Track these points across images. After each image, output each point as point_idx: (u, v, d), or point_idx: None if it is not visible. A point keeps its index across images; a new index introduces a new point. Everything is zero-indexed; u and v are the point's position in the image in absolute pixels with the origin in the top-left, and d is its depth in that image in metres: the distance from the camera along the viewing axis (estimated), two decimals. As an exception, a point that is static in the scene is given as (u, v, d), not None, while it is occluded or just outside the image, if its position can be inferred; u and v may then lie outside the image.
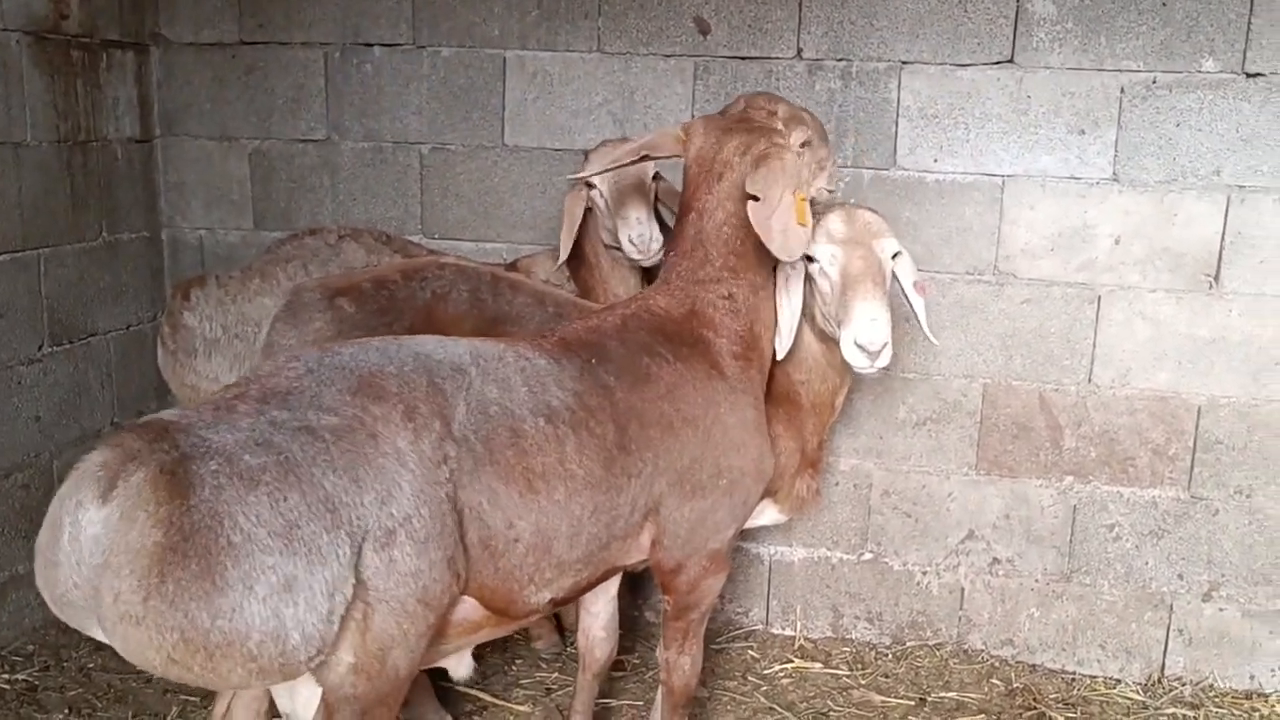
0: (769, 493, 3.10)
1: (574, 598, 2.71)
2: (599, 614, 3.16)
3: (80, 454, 3.59)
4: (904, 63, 3.86)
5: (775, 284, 2.98)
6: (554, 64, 4.13)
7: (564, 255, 3.65)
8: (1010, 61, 3.78)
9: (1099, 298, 3.86)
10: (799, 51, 3.93)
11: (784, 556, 4.24)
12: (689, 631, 2.94)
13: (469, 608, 2.38)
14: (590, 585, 2.69)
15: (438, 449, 2.21)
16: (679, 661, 2.96)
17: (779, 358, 3.01)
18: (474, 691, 3.78)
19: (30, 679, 3.72)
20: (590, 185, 3.52)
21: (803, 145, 2.91)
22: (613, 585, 3.10)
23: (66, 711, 3.55)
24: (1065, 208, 3.83)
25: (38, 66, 3.85)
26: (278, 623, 1.94)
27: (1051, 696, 3.92)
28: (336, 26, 4.25)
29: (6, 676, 3.71)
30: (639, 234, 3.44)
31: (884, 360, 2.77)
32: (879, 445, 4.11)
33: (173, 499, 1.88)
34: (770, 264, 2.91)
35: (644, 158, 3.04)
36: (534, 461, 2.38)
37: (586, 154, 3.70)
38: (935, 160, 3.89)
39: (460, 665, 2.58)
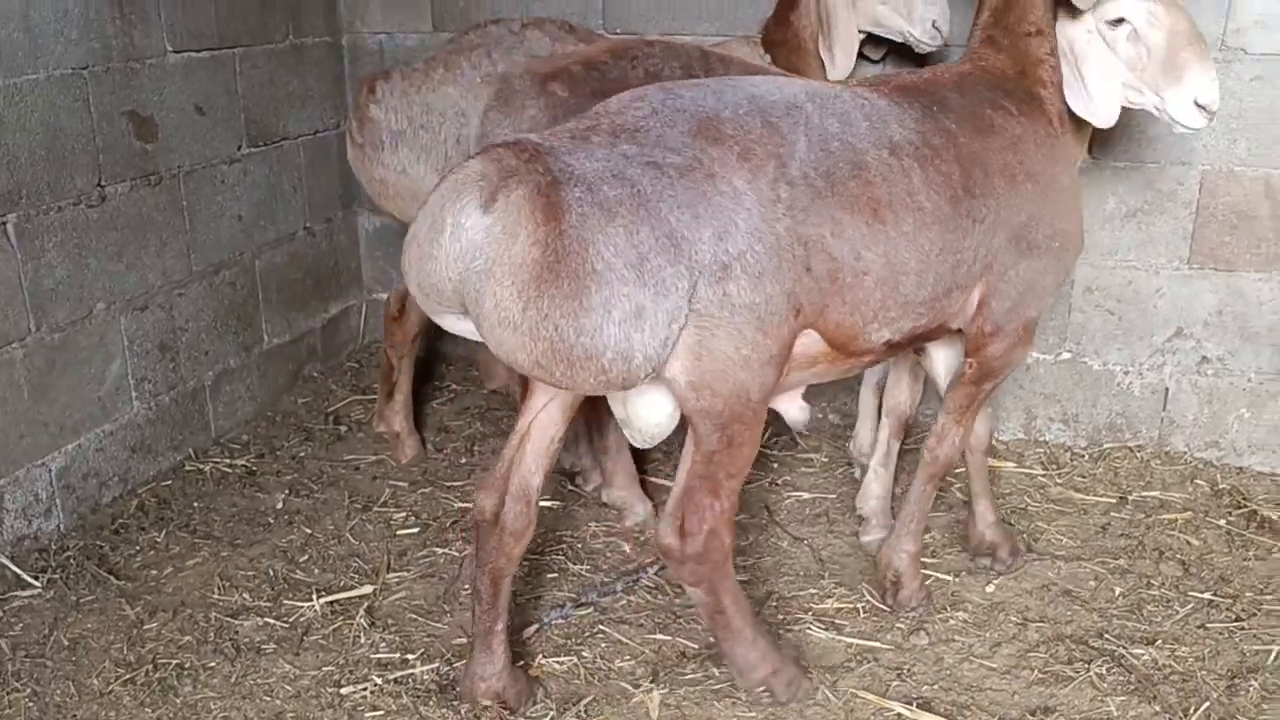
0: None
1: (907, 345, 2.78)
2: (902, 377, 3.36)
3: (276, 255, 3.66)
4: None
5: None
6: None
7: (851, 50, 3.56)
8: None
9: (1341, 72, 3.55)
10: None
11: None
12: (973, 403, 2.98)
13: (810, 341, 2.47)
14: (922, 336, 2.75)
15: (773, 188, 2.28)
16: (953, 431, 3.00)
17: (1105, 125, 2.94)
18: (668, 483, 3.84)
19: (249, 465, 3.92)
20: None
21: None
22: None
23: (286, 493, 3.74)
24: (1308, -29, 3.50)
25: None
26: (627, 345, 2.15)
27: (1261, 497, 3.78)
28: None
29: (228, 461, 3.93)
30: (943, 13, 3.42)
31: None
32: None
33: (548, 221, 2.06)
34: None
35: None
36: (879, 191, 2.43)
37: None
38: (1161, -77, 3.57)
39: (793, 407, 2.68)
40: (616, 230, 2.11)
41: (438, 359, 4.82)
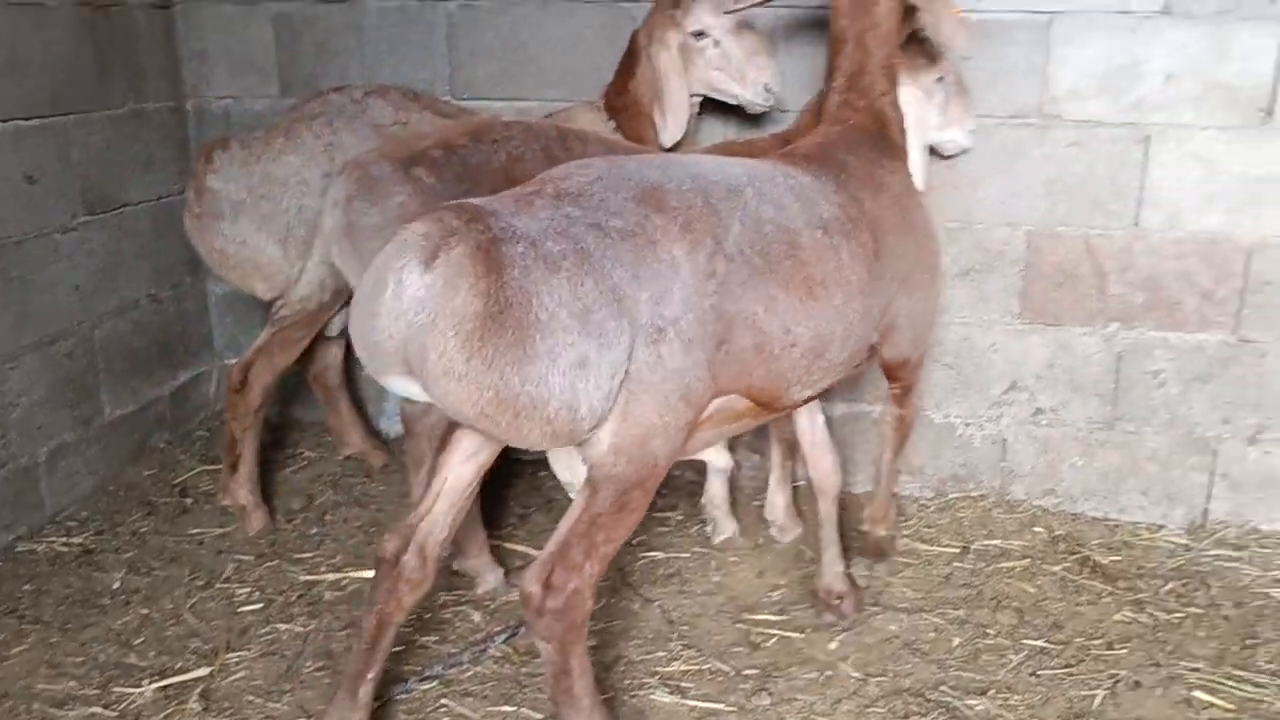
0: None
1: (820, 394, 3.01)
2: (820, 443, 3.48)
3: (119, 324, 3.56)
4: (947, -105, 3.70)
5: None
6: (583, -89, 4.00)
7: (682, 118, 3.67)
8: (1058, -110, 3.64)
9: (1148, 138, 3.76)
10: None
11: (825, 411, 4.20)
12: (910, 395, 3.44)
13: (734, 399, 2.60)
14: (834, 382, 2.96)
15: (709, 263, 2.40)
16: (907, 414, 3.49)
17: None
18: (522, 548, 3.83)
19: (86, 543, 3.78)
20: (700, 35, 3.57)
21: None
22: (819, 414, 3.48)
23: (125, 571, 3.62)
24: (1114, 45, 3.71)
25: (54, -75, 3.76)
26: (572, 394, 2.20)
27: (1095, 542, 3.94)
28: (356, -122, 4.12)
29: (63, 540, 3.78)
30: (777, 81, 3.62)
31: None
32: (921, 297, 4.07)
33: (489, 273, 2.11)
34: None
35: None
36: (814, 270, 2.62)
37: (675, 2, 3.63)
38: (979, -2, 3.77)
39: (719, 457, 2.98)
40: (560, 282, 2.17)
41: (292, 426, 4.74)
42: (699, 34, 3.58)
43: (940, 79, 3.56)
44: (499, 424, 2.21)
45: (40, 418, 3.81)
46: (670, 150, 3.71)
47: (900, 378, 3.34)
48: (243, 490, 3.84)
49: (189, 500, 4.11)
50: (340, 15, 4.26)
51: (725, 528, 3.86)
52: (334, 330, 3.89)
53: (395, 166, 3.09)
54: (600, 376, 2.22)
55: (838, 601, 3.42)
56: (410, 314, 2.14)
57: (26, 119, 3.67)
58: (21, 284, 3.69)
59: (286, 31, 4.33)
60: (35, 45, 3.68)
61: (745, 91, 3.61)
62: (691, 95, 3.71)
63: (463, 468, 2.63)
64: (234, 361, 3.85)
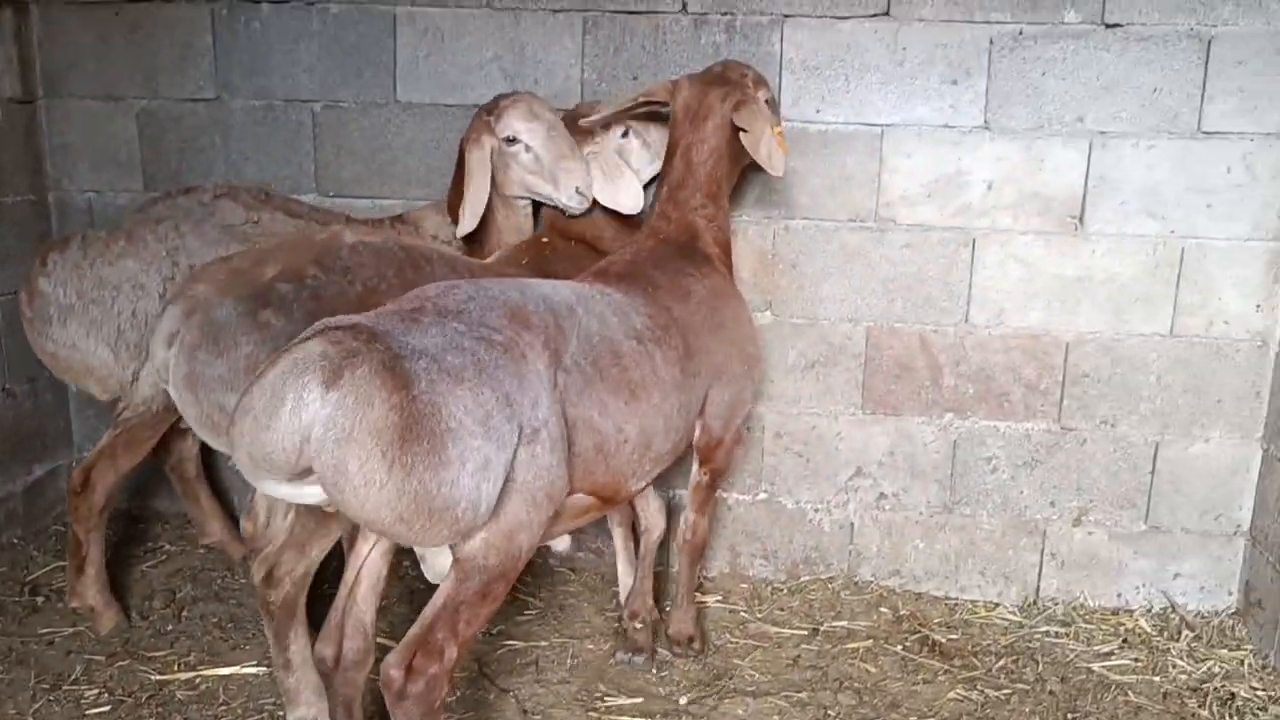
0: None
1: (651, 483, 3.28)
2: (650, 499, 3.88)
3: None
4: (786, 16, 3.98)
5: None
6: (444, 19, 4.16)
7: (478, 211, 3.79)
8: (886, 14, 3.93)
9: (974, 241, 4.05)
10: (684, 6, 4.02)
11: (683, 500, 4.37)
12: (709, 497, 3.71)
13: (581, 498, 2.86)
14: (662, 470, 3.23)
15: (558, 375, 2.68)
16: (701, 521, 3.75)
17: None
18: (382, 639, 3.86)
19: (-76, 646, 3.70)
20: (513, 140, 3.74)
21: (766, 101, 3.58)
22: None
23: (-35, 676, 3.54)
24: (941, 155, 4.00)
25: (-90, 25, 3.78)
26: (477, 494, 2.38)
27: (936, 621, 4.14)
28: (222, -17, 4.23)
29: (-98, 644, 3.69)
30: (587, 184, 3.76)
31: None
32: (770, 389, 4.27)
33: (399, 389, 2.28)
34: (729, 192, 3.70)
35: (642, 104, 3.69)
36: (634, 374, 2.92)
37: (490, 109, 3.78)
38: (818, 111, 4.03)
39: (561, 542, 3.68)
40: (464, 392, 2.37)
41: (152, 518, 4.69)
42: (511, 139, 3.76)
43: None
44: (412, 527, 2.36)
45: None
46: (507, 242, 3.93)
47: (712, 459, 3.58)
48: (90, 590, 3.80)
49: (39, 599, 4.04)
50: (206, 113, 4.33)
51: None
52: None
53: (242, 311, 2.99)
54: (498, 475, 2.43)
55: (688, 645, 3.84)
56: (317, 429, 2.26)
57: (-123, 218, 3.66)
58: None
59: (151, 127, 4.38)
60: (-113, 143, 3.68)
61: (559, 194, 3.77)
62: (516, 197, 3.88)
63: (372, 556, 2.86)
64: (92, 455, 3.82)
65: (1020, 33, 3.87)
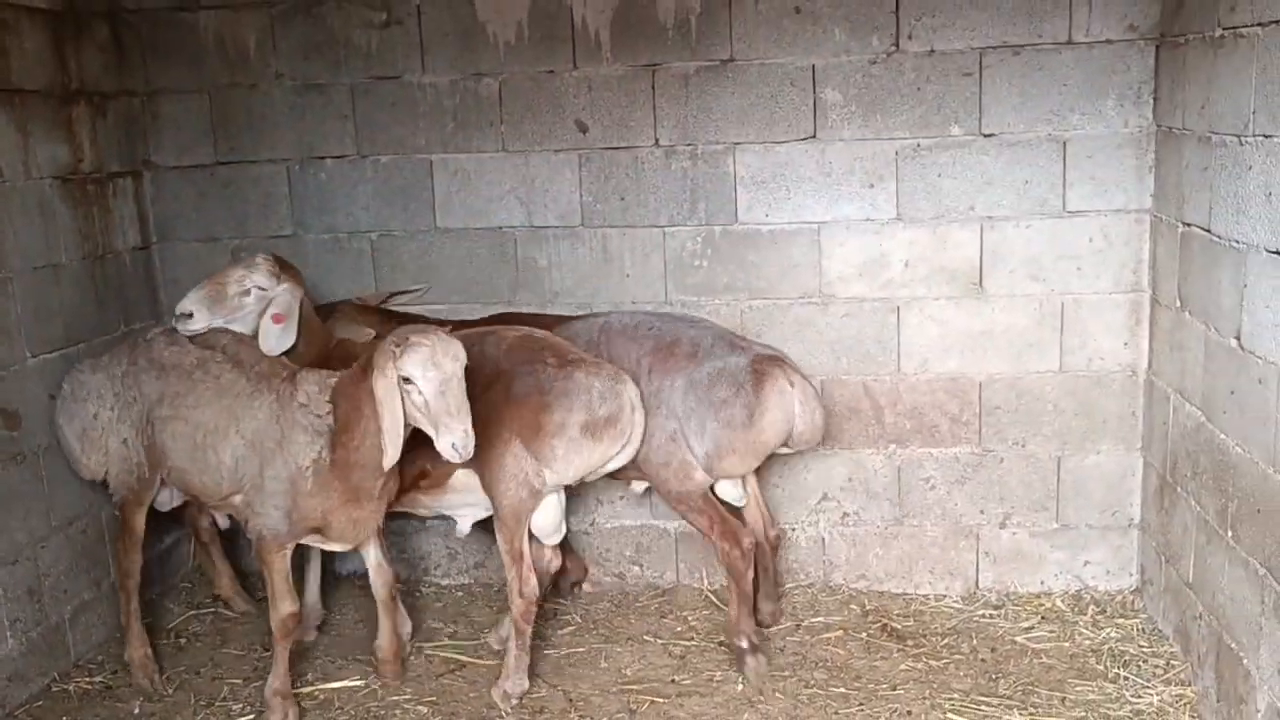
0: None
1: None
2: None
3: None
4: (736, 144, 5.07)
5: None
6: (469, 162, 5.29)
7: (398, 443, 3.94)
8: (814, 138, 5.02)
9: (898, 308, 5.11)
10: (656, 140, 5.13)
11: (685, 528, 5.41)
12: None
13: None
14: None
15: None
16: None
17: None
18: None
19: (105, 680, 4.77)
20: (408, 380, 3.84)
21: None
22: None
23: (141, 700, 4.60)
24: (866, 243, 5.08)
25: (64, 202, 4.92)
26: None
27: (895, 612, 5.16)
28: (294, 146, 5.37)
29: (87, 680, 4.76)
30: (465, 445, 3.87)
31: None
32: (749, 435, 5.32)
33: None
34: None
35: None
36: None
37: (399, 343, 3.89)
38: (767, 215, 5.11)
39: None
40: None
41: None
42: (406, 379, 3.85)
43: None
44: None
45: (66, 584, 4.82)
46: None
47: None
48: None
49: (182, 640, 5.13)
50: (287, 247, 5.41)
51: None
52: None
53: None
54: None
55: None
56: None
57: (49, 352, 4.78)
58: (50, 482, 4.74)
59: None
60: (54, 297, 4.80)
61: (438, 441, 3.89)
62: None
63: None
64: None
65: (918, 145, 4.96)
